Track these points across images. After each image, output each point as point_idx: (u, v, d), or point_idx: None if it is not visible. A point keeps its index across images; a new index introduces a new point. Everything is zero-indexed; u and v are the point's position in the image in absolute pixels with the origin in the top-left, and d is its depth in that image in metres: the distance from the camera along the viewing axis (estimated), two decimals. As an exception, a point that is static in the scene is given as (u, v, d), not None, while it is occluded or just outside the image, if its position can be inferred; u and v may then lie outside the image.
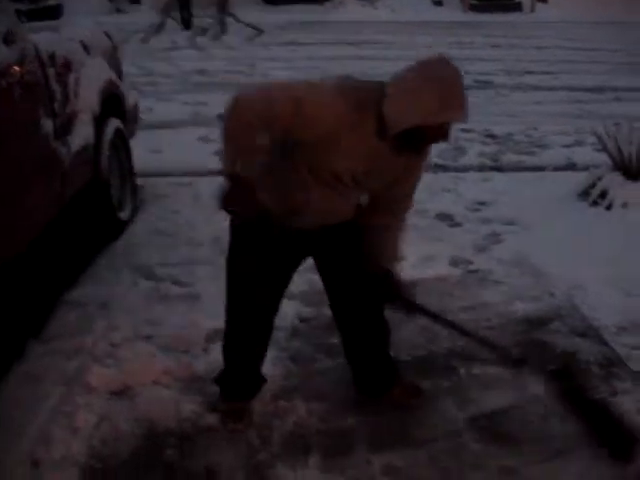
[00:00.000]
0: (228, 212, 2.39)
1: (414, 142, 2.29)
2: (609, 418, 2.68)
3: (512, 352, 3.01)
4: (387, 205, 2.54)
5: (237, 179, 2.27)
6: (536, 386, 3.01)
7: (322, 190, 2.38)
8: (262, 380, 2.92)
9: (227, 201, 2.31)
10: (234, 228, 2.59)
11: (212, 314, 3.60)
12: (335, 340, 3.37)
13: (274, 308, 2.74)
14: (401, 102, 2.19)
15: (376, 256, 2.60)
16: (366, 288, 2.66)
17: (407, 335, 3.45)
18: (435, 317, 2.83)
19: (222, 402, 2.91)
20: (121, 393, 3.02)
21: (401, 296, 2.67)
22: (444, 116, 2.19)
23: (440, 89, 2.15)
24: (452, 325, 2.88)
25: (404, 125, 2.20)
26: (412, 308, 2.73)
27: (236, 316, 2.75)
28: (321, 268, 2.73)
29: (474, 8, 18.69)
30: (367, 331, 2.81)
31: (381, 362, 2.91)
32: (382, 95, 2.23)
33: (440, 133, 2.26)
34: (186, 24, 16.25)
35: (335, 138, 2.23)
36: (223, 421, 2.84)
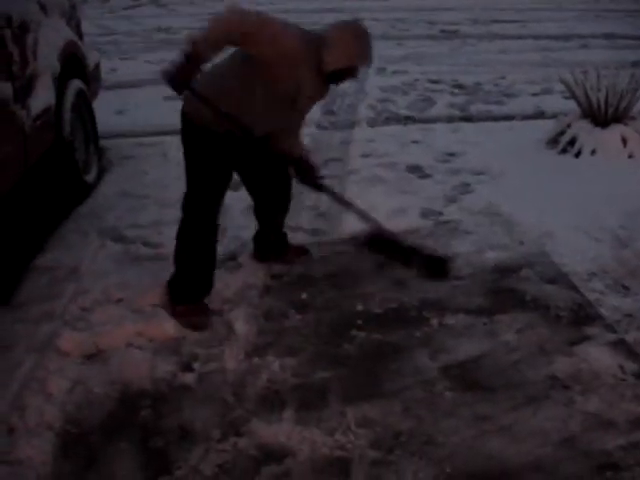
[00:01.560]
0: (167, 83, 2.89)
1: (338, 78, 3.12)
2: (423, 253, 3.38)
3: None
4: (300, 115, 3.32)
5: (193, 59, 2.85)
6: (507, 334, 3.06)
7: (275, 108, 3.07)
8: (211, 283, 3.33)
9: (171, 74, 2.87)
10: (196, 127, 3.13)
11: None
12: (305, 296, 3.39)
13: (219, 202, 3.24)
14: (334, 51, 3.01)
15: (290, 145, 3.33)
16: (280, 175, 3.44)
17: (379, 288, 3.47)
18: (335, 196, 3.47)
19: (175, 306, 3.27)
20: (94, 357, 3.00)
21: (311, 175, 3.37)
22: (360, 62, 3.10)
23: (359, 45, 3.05)
24: (350, 206, 3.47)
25: (335, 66, 3.03)
26: (319, 187, 3.38)
27: (190, 209, 3.21)
28: (253, 164, 3.39)
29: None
30: (282, 203, 3.58)
31: (279, 232, 3.70)
32: (322, 43, 3.02)
33: (354, 73, 3.13)
34: None
35: (293, 62, 2.94)
36: (184, 326, 3.18)
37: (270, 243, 3.72)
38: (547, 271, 3.58)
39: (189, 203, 3.20)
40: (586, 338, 3.03)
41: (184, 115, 3.18)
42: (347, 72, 3.08)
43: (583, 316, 3.19)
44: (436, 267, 3.39)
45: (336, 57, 3.00)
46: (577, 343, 2.99)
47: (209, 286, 3.31)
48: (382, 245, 3.41)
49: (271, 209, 3.62)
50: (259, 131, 3.10)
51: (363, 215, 3.42)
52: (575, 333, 3.07)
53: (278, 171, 3.45)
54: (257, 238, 3.73)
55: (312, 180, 3.37)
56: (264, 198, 3.57)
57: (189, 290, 3.28)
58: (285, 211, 3.64)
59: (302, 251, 3.82)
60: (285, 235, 3.78)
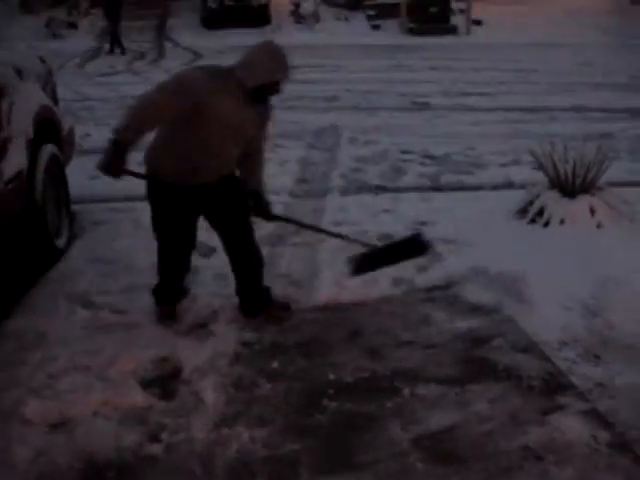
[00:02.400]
0: (104, 173, 3.30)
1: (260, 95, 3.39)
2: (396, 244, 3.98)
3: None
4: (256, 140, 3.58)
5: (120, 147, 3.25)
6: (479, 404, 3.04)
7: (210, 148, 3.38)
8: (185, 290, 3.95)
9: (105, 166, 3.28)
10: (150, 188, 3.55)
11: (151, 343, 3.56)
12: (276, 365, 3.36)
13: (188, 242, 3.73)
14: (251, 70, 3.30)
15: (249, 180, 3.65)
16: (244, 221, 3.67)
17: (350, 356, 3.45)
18: (291, 221, 4.11)
19: (156, 306, 3.85)
20: (59, 426, 2.94)
21: (269, 213, 3.75)
22: (277, 76, 3.35)
23: (272, 59, 3.34)
24: (309, 227, 4.20)
25: (255, 82, 3.30)
26: (274, 218, 3.85)
27: (161, 248, 3.74)
28: (210, 214, 3.63)
29: (411, 31, 19.02)
30: (247, 262, 3.77)
31: (257, 287, 3.83)
32: (234, 69, 3.34)
33: (275, 89, 3.41)
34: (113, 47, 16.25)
35: (209, 102, 3.26)
36: (159, 321, 3.77)
37: (250, 297, 3.85)
38: (518, 340, 3.58)
39: (159, 247, 3.74)
40: (559, 407, 3.02)
41: (149, 179, 3.56)
42: (269, 87, 3.37)
43: (555, 385, 3.19)
44: (416, 246, 3.88)
45: (254, 74, 3.31)
46: (550, 412, 2.98)
47: (180, 292, 3.91)
48: (367, 264, 3.86)
49: (240, 257, 3.76)
50: (212, 175, 3.47)
51: (327, 233, 4.09)
52: (548, 402, 3.06)
53: (238, 212, 3.66)
54: (239, 292, 3.87)
55: (266, 212, 3.73)
56: (230, 243, 3.72)
57: (164, 295, 3.86)
58: (255, 263, 3.78)
59: (284, 307, 3.91)
60: (267, 290, 3.88)
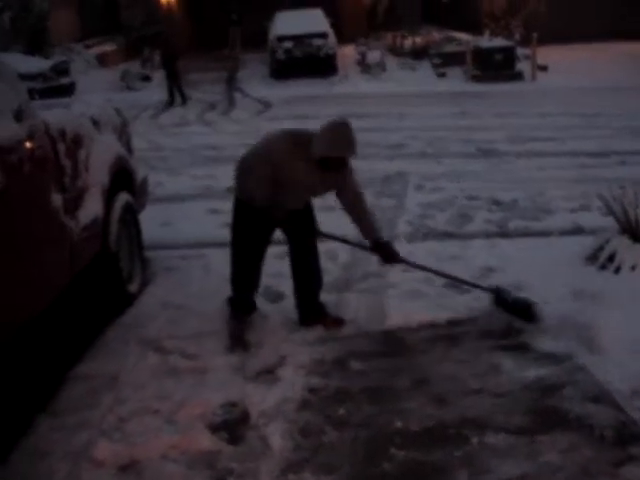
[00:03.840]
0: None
1: (326, 165, 3.93)
2: (518, 301, 4.31)
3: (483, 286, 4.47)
4: (345, 197, 4.17)
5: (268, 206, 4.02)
6: (550, 454, 2.97)
7: (294, 195, 4.08)
8: (254, 305, 4.43)
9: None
10: (237, 207, 4.19)
11: (220, 387, 3.60)
12: (343, 411, 3.35)
13: (260, 256, 4.27)
14: (318, 143, 3.90)
15: (363, 230, 4.21)
16: (310, 241, 4.27)
17: (417, 404, 3.42)
18: (418, 266, 4.50)
19: (231, 318, 4.38)
20: (128, 467, 2.99)
21: (396, 256, 4.26)
22: (339, 152, 3.91)
23: (336, 137, 3.88)
24: (434, 272, 4.52)
25: (319, 154, 3.90)
26: (402, 261, 4.35)
27: (237, 261, 4.27)
28: (285, 230, 4.25)
29: (476, 79, 19.01)
30: (309, 270, 4.28)
31: (315, 299, 4.32)
32: (310, 139, 3.96)
33: (339, 162, 3.96)
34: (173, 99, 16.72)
35: (285, 168, 3.93)
36: (234, 331, 4.24)
37: (309, 307, 4.31)
38: (590, 389, 3.50)
39: (237, 255, 4.28)
40: (631, 458, 2.94)
41: (237, 198, 4.21)
42: (333, 160, 3.91)
43: (628, 436, 3.10)
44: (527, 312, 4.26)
45: (319, 148, 3.89)
46: (622, 464, 2.89)
47: (252, 305, 4.41)
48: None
49: (305, 270, 4.29)
50: (290, 207, 4.11)
51: (469, 284, 4.55)
52: (620, 453, 2.98)
53: (308, 231, 4.27)
54: (299, 305, 4.34)
55: (391, 257, 4.26)
56: (298, 256, 4.28)
57: (238, 306, 4.39)
58: (317, 278, 4.32)
59: (338, 320, 4.30)
60: (323, 304, 4.36)
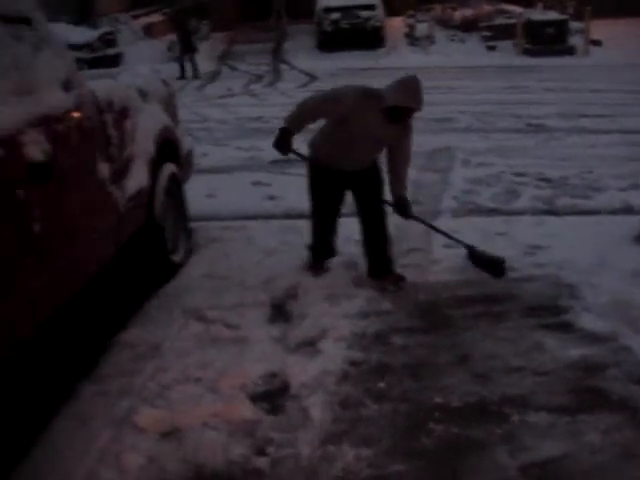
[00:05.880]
0: (276, 150, 4.37)
1: (395, 114, 4.18)
2: (486, 257, 4.60)
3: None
4: (396, 155, 4.44)
5: (286, 132, 4.31)
6: (591, 435, 2.94)
7: (358, 147, 4.31)
8: (335, 251, 4.77)
9: (276, 145, 4.35)
10: (310, 168, 4.56)
11: (261, 358, 3.63)
12: (383, 385, 3.36)
13: (336, 212, 4.60)
14: (391, 93, 4.15)
15: (394, 186, 4.48)
16: (380, 202, 4.55)
17: (458, 380, 3.40)
18: (430, 226, 4.82)
19: (310, 262, 4.75)
20: (170, 435, 3.03)
21: (408, 212, 4.56)
22: (406, 102, 4.14)
23: (408, 89, 4.13)
24: (444, 234, 4.75)
25: (391, 103, 4.14)
26: (415, 219, 4.67)
27: (315, 215, 4.62)
28: (354, 192, 4.55)
29: (527, 52, 18.69)
30: (379, 231, 4.58)
31: (385, 254, 4.60)
32: (384, 91, 4.20)
33: (407, 114, 4.21)
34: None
35: (360, 115, 4.17)
36: (314, 275, 4.64)
37: (378, 262, 4.62)
38: (634, 370, 3.44)
39: (313, 214, 4.62)
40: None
41: (310, 161, 4.56)
42: (402, 111, 4.15)
43: (673, 420, 3.05)
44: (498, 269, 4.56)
45: (392, 97, 4.14)
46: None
47: (330, 251, 4.74)
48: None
49: (375, 228, 4.58)
50: (355, 165, 4.43)
51: (453, 238, 4.70)
52: (663, 437, 2.93)
53: (378, 193, 4.56)
54: (369, 258, 4.65)
55: (406, 212, 4.55)
56: (368, 216, 4.57)
57: (318, 253, 4.73)
58: (386, 234, 4.60)
59: (401, 277, 4.61)
60: (391, 260, 4.64)
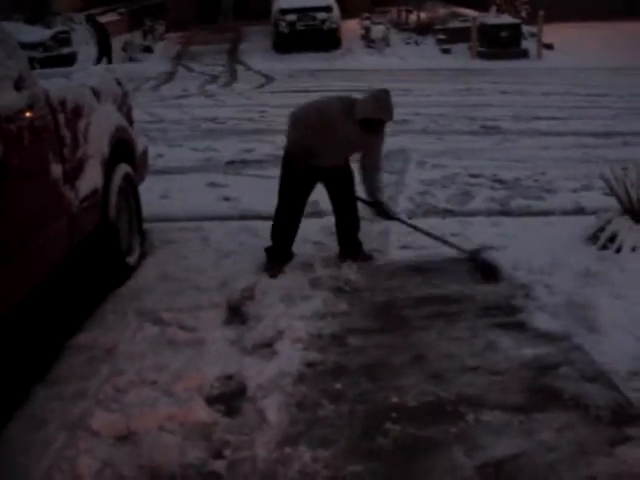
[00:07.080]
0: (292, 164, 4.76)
1: (368, 125, 4.53)
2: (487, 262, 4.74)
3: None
4: (370, 160, 4.82)
5: (297, 155, 4.71)
6: (545, 433, 2.98)
7: (336, 148, 4.68)
8: (292, 253, 4.93)
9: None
10: (285, 162, 4.82)
11: (217, 360, 3.60)
12: (340, 386, 3.36)
13: (302, 207, 4.86)
14: (361, 106, 4.53)
15: (370, 190, 4.86)
16: (351, 194, 4.95)
17: (414, 380, 3.42)
18: (409, 225, 5.14)
19: (267, 264, 4.83)
20: (125, 438, 2.99)
21: (389, 214, 5.01)
22: (378, 115, 4.53)
23: (377, 102, 4.52)
24: (424, 232, 5.04)
25: (361, 116, 4.50)
26: (394, 219, 5.10)
27: (281, 210, 4.84)
28: (328, 186, 4.93)
29: (482, 55, 18.91)
30: (350, 219, 4.96)
31: (355, 238, 5.02)
32: (355, 103, 4.60)
33: (377, 124, 4.58)
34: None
35: (337, 124, 4.55)
36: (270, 276, 4.67)
37: (349, 245, 5.01)
38: (587, 369, 3.50)
39: (280, 209, 4.86)
40: (627, 439, 2.94)
41: (285, 151, 4.89)
42: (373, 122, 4.53)
43: (624, 416, 3.10)
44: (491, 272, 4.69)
45: (362, 110, 4.52)
46: (618, 444, 2.90)
47: (287, 255, 4.91)
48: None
49: (347, 215, 4.97)
50: (330, 163, 4.79)
51: (438, 239, 4.99)
52: (615, 433, 2.98)
53: (348, 186, 4.95)
54: (340, 242, 5.03)
55: (386, 214, 4.98)
56: (340, 205, 4.95)
57: (275, 255, 4.88)
58: (356, 221, 4.99)
59: (369, 256, 5.02)
60: (360, 243, 5.05)
